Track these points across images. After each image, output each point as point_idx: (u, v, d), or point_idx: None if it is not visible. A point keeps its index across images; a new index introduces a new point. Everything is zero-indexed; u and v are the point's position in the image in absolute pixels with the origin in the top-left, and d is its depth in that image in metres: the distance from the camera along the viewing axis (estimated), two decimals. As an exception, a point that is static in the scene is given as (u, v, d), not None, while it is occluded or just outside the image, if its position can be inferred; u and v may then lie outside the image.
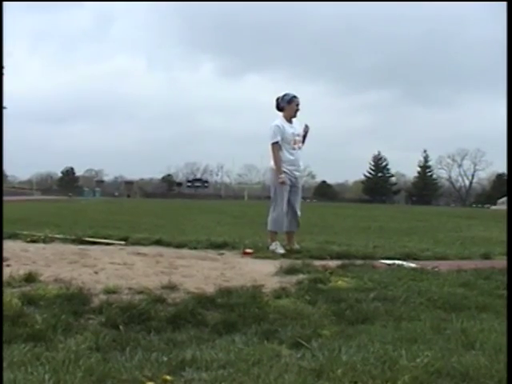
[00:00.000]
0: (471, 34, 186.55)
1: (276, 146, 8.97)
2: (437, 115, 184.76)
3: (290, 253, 8.46)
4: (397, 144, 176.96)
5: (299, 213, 9.31)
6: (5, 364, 3.21)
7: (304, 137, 9.29)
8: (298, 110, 9.14)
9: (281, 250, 8.60)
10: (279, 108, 9.16)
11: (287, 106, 9.09)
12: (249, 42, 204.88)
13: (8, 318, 4.11)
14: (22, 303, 4.49)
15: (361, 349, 3.66)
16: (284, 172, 8.98)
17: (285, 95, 9.14)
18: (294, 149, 9.06)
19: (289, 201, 9.14)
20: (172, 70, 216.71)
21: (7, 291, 4.86)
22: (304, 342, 3.81)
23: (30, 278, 5.51)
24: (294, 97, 9.11)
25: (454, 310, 4.90)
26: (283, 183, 8.91)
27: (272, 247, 8.69)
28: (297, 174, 9.17)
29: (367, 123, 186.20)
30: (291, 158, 9.05)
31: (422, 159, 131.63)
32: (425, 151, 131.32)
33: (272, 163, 9.11)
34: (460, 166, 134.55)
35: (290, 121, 9.10)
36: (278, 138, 8.94)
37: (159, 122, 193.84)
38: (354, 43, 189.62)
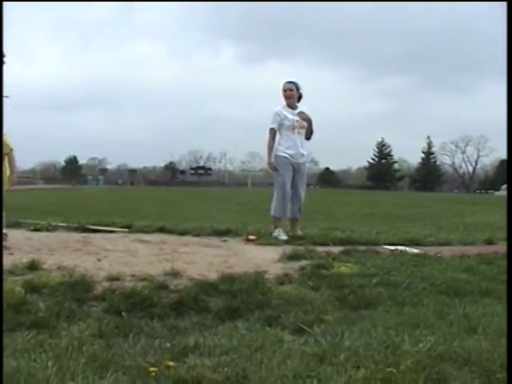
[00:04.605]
0: (483, 29, 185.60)
1: (271, 132, 9.03)
2: (446, 103, 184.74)
3: (292, 239, 8.44)
4: (401, 131, 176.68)
5: (303, 199, 9.30)
6: (8, 351, 3.22)
7: (310, 125, 9.26)
8: (287, 96, 9.10)
9: (284, 237, 8.57)
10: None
11: (282, 92, 9.16)
12: (271, 28, 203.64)
13: (11, 305, 4.13)
14: (25, 291, 4.50)
15: (363, 334, 3.67)
16: (284, 157, 9.00)
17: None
18: (298, 134, 9.04)
19: (294, 187, 9.12)
20: (192, 56, 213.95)
21: (10, 279, 4.88)
22: (307, 328, 3.83)
23: (32, 266, 5.52)
24: (285, 82, 9.18)
25: (456, 295, 4.92)
26: (274, 169, 9.00)
27: (275, 233, 8.67)
28: (299, 158, 9.11)
29: (375, 111, 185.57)
30: (290, 143, 9.01)
31: (425, 145, 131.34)
32: (428, 137, 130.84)
33: (273, 149, 9.12)
34: (463, 152, 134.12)
35: (292, 107, 9.09)
36: (274, 125, 8.98)
37: (168, 110, 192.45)
38: (376, 31, 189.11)
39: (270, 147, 9.06)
